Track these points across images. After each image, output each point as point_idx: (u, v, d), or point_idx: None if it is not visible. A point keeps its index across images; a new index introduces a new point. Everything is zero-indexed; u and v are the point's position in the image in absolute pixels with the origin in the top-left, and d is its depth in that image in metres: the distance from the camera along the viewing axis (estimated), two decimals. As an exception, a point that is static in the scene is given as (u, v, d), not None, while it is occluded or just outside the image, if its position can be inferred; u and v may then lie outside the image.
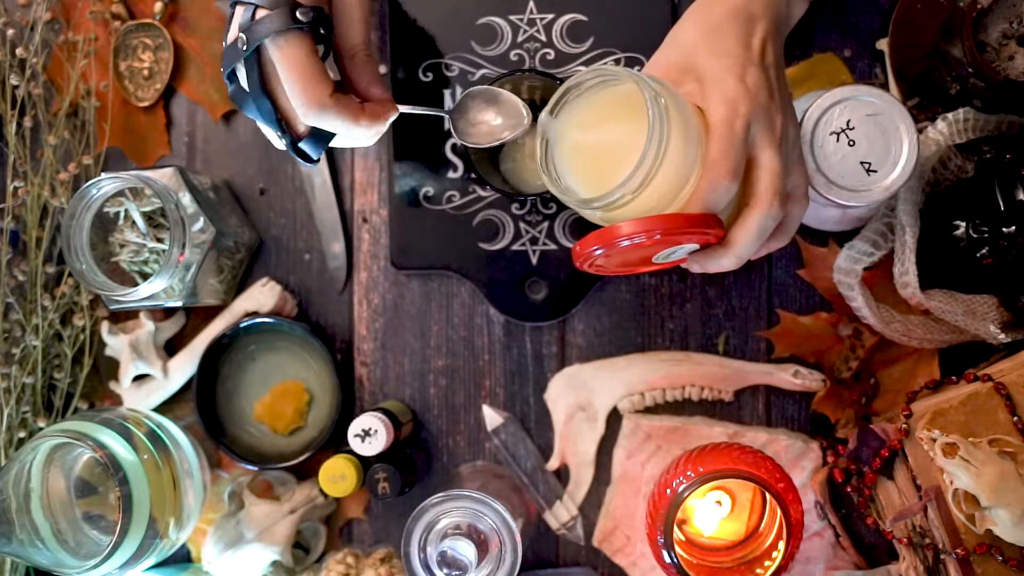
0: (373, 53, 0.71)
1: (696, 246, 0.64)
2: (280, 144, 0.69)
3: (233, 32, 0.67)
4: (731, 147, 0.62)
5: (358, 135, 0.69)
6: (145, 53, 0.92)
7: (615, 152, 0.63)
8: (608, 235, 0.60)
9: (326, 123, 0.67)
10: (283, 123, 0.67)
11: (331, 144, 0.70)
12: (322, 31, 0.66)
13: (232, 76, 0.68)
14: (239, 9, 0.66)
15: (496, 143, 0.75)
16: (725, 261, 0.65)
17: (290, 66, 0.65)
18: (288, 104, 0.67)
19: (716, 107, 0.63)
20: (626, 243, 0.60)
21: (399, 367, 0.91)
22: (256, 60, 0.66)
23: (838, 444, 0.85)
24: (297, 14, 0.64)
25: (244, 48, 0.65)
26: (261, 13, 0.64)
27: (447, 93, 0.88)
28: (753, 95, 0.63)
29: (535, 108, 0.85)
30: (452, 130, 0.75)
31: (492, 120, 0.75)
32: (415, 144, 0.89)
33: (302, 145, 0.68)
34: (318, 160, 0.70)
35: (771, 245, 0.69)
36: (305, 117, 0.66)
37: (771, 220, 0.64)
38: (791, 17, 0.73)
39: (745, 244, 0.64)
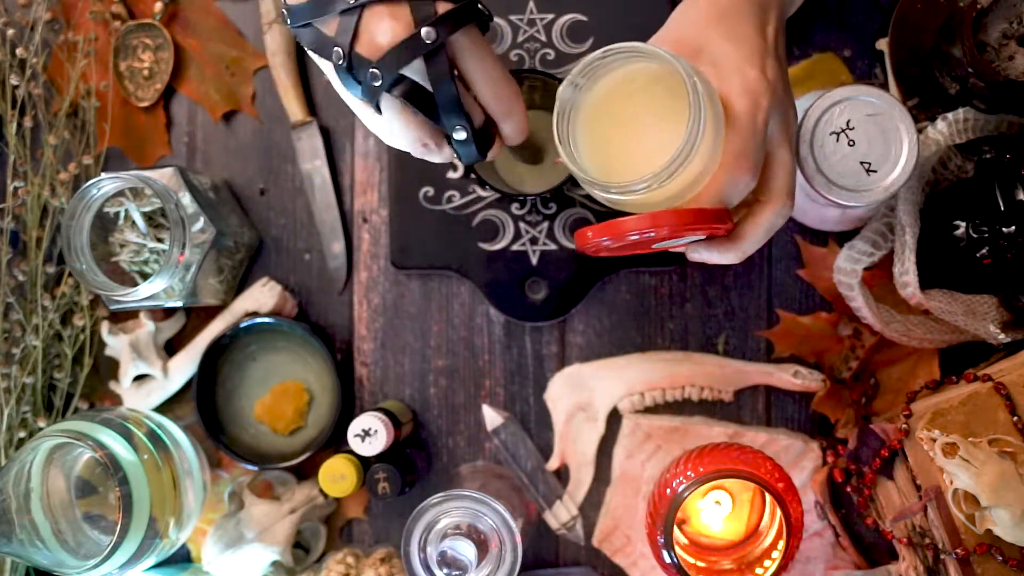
0: None
1: (701, 235, 0.64)
2: (423, 149, 0.67)
3: (404, 26, 0.62)
4: (754, 142, 0.61)
5: (508, 140, 0.69)
6: (145, 53, 0.92)
7: (638, 134, 0.62)
8: (618, 228, 0.61)
9: (510, 118, 0.66)
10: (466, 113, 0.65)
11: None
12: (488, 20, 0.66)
13: (396, 80, 0.63)
14: (410, 6, 0.62)
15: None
16: (731, 255, 0.64)
17: (490, 56, 0.64)
18: (468, 97, 0.65)
19: (737, 98, 0.62)
20: (635, 236, 0.61)
21: (399, 367, 0.91)
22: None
23: (838, 444, 0.85)
24: (479, 6, 0.63)
25: (431, 41, 0.61)
26: (445, 7, 0.62)
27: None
28: (773, 88, 0.62)
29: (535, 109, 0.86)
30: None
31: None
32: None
33: (475, 137, 0.66)
34: (484, 157, 0.68)
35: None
36: (499, 107, 0.66)
37: (781, 219, 0.63)
38: (791, 6, 0.73)
39: (754, 240, 0.64)
